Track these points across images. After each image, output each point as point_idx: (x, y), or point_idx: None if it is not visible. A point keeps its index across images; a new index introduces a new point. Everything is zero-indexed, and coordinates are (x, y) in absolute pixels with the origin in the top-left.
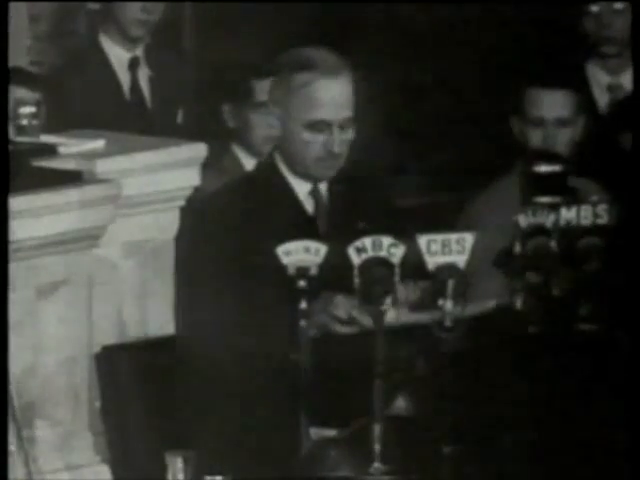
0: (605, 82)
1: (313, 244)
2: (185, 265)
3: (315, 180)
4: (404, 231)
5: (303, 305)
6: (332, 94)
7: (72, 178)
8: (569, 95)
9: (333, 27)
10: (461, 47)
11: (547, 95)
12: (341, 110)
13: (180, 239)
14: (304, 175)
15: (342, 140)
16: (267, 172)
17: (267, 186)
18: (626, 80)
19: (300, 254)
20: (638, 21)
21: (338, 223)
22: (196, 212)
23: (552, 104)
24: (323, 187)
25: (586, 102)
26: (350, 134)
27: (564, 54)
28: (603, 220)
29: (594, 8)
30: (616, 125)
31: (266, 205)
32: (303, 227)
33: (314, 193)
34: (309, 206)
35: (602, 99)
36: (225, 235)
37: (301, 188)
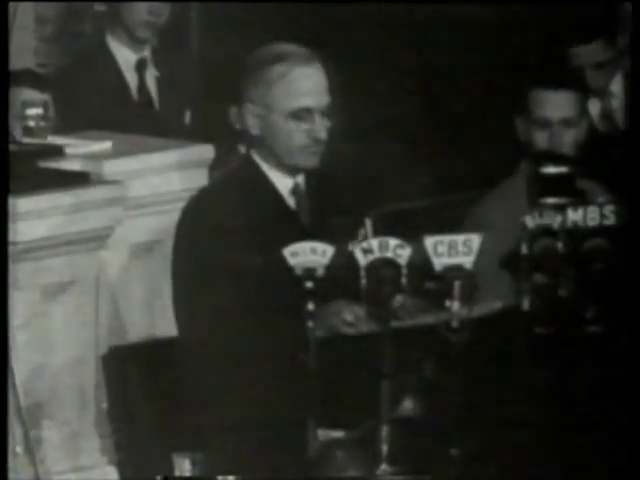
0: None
1: (320, 245)
2: (179, 267)
3: (298, 171)
4: (408, 232)
5: (310, 306)
6: (309, 82)
7: (79, 179)
8: (574, 95)
9: (337, 28)
10: (466, 48)
11: (552, 96)
12: (321, 97)
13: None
14: (287, 168)
15: (325, 126)
16: (248, 171)
17: (249, 186)
18: (616, 87)
19: (307, 255)
20: (638, 21)
21: (320, 218)
22: (182, 213)
23: (557, 104)
24: (302, 183)
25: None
26: (330, 121)
27: (567, 54)
28: (610, 221)
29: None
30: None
31: (249, 203)
32: (288, 224)
33: (295, 189)
34: (291, 203)
35: (594, 106)
36: (210, 235)
37: (282, 185)
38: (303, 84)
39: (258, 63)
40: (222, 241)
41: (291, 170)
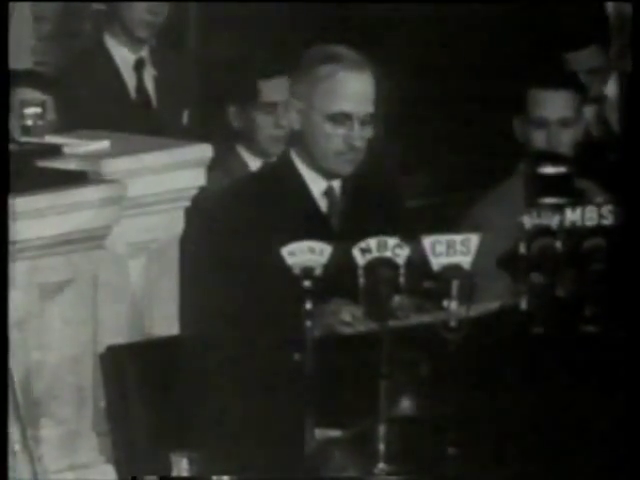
0: (590, 94)
1: (318, 244)
2: (192, 265)
3: (333, 176)
4: (410, 232)
5: (308, 305)
6: (355, 87)
7: (77, 179)
8: (571, 95)
9: (335, 28)
10: (463, 48)
11: (550, 95)
12: (363, 105)
13: (187, 239)
14: (322, 171)
15: (362, 135)
16: (283, 169)
17: (282, 184)
18: (610, 90)
19: (305, 254)
20: (638, 21)
21: (351, 223)
22: (204, 211)
23: (555, 104)
24: (337, 186)
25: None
26: (370, 131)
27: (564, 55)
28: (608, 221)
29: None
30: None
31: (280, 203)
32: (317, 226)
33: (329, 192)
34: (323, 205)
35: (588, 110)
36: (234, 234)
37: (316, 187)
38: (347, 88)
39: (310, 60)
40: (249, 241)
41: (325, 174)
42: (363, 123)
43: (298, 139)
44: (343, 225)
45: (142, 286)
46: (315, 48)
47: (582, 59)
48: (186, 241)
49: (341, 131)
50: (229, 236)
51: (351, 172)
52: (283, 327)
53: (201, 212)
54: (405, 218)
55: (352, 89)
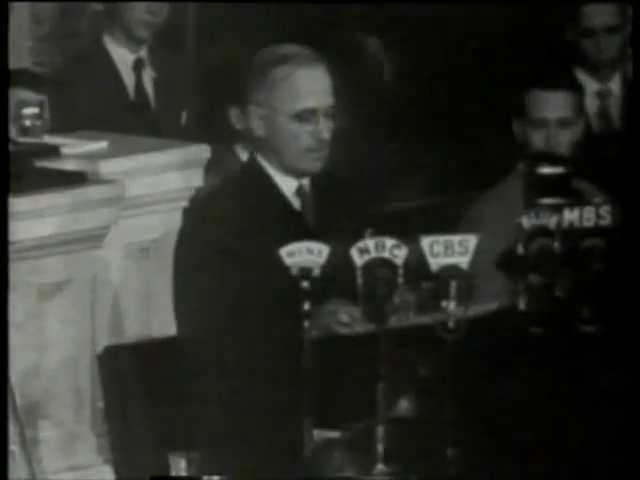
0: (594, 89)
1: (316, 245)
2: (181, 266)
3: (303, 175)
4: (407, 232)
5: (306, 306)
6: (314, 82)
7: (75, 179)
8: (570, 96)
9: (334, 27)
10: (462, 49)
11: (549, 96)
12: (324, 98)
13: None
14: (292, 171)
15: (328, 127)
16: (252, 173)
17: (253, 186)
18: (615, 86)
19: (303, 255)
20: (638, 21)
21: (325, 219)
22: (186, 214)
23: (554, 105)
24: (307, 184)
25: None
26: (333, 123)
27: (560, 56)
28: (606, 221)
29: (589, 24)
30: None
31: (254, 205)
32: (292, 224)
33: (300, 191)
34: (296, 204)
35: (591, 105)
36: (213, 235)
37: (287, 187)
38: (307, 85)
39: (262, 64)
40: (225, 241)
41: (295, 173)
42: (327, 116)
43: (264, 144)
44: (317, 221)
45: (140, 286)
46: (264, 52)
47: (601, 14)
48: (180, 244)
49: (308, 127)
50: (212, 237)
51: (320, 169)
52: (281, 327)
53: (186, 214)
54: (402, 218)
55: (311, 84)
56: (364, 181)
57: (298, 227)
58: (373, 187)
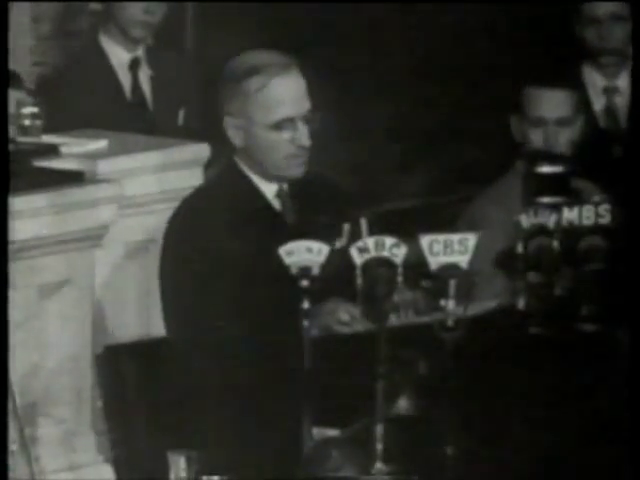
0: (601, 85)
1: (315, 244)
2: (167, 268)
3: (283, 180)
4: (406, 231)
5: (306, 305)
6: (290, 90)
7: (74, 178)
8: (569, 94)
9: (332, 27)
10: (460, 47)
11: (547, 95)
12: (301, 104)
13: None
14: (274, 177)
15: (308, 132)
16: (232, 175)
17: (234, 188)
18: (622, 83)
19: (302, 254)
20: (638, 21)
21: (304, 218)
22: (171, 218)
23: (552, 104)
24: (286, 187)
25: (584, 102)
26: (312, 125)
27: (563, 53)
28: (605, 220)
29: (593, 13)
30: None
31: (235, 206)
32: (273, 224)
33: (280, 193)
34: (276, 204)
35: (598, 102)
36: (198, 237)
37: (266, 188)
38: (282, 94)
39: (234, 75)
40: (210, 243)
41: (275, 179)
42: (305, 121)
43: (243, 153)
44: (297, 221)
45: (139, 286)
46: (234, 61)
47: (606, 3)
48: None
49: (287, 136)
50: (196, 238)
51: (303, 173)
52: (281, 326)
53: (171, 216)
54: (401, 217)
55: (287, 93)
56: (343, 180)
57: (279, 227)
58: (367, 186)
